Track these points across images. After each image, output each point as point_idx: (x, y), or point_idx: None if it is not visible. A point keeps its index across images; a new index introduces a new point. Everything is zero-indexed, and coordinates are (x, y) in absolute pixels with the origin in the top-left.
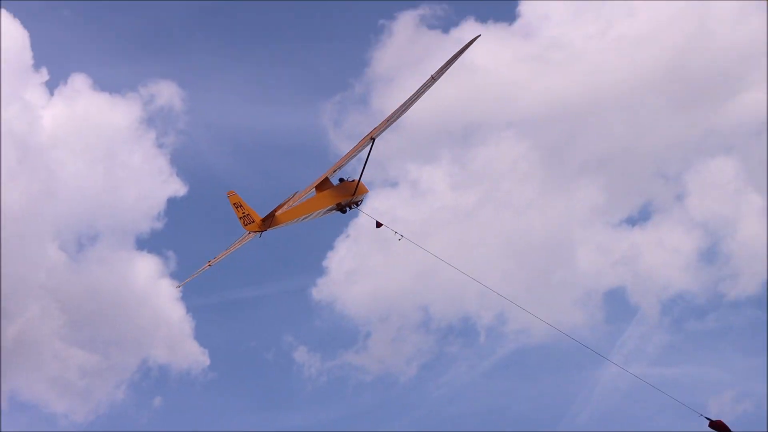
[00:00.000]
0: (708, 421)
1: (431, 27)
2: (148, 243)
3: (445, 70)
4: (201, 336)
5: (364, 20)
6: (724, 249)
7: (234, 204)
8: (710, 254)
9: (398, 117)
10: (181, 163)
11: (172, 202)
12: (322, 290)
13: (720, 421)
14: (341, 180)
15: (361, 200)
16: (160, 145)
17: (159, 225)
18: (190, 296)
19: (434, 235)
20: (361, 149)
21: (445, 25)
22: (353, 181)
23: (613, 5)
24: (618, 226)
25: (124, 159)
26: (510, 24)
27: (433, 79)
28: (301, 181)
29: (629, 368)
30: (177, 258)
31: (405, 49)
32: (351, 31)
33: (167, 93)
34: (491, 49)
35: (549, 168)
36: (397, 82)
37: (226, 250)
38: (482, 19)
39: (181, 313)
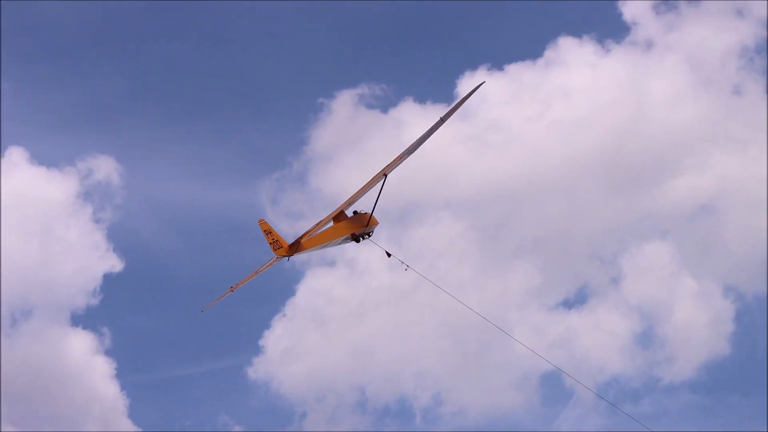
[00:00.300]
0: None
1: (370, 106)
2: (83, 319)
3: (453, 113)
4: (135, 414)
5: (303, 98)
6: (659, 333)
7: (264, 231)
8: (645, 338)
9: (408, 155)
10: (118, 238)
11: (108, 278)
12: (257, 369)
13: None
14: (355, 212)
15: (372, 231)
16: (97, 220)
17: (94, 301)
18: (124, 373)
19: (371, 315)
20: (374, 185)
21: (384, 105)
22: (366, 213)
23: (550, 89)
24: (554, 309)
25: (61, 233)
26: (448, 105)
27: (442, 120)
28: (239, 259)
29: None
30: (112, 335)
31: (343, 128)
32: (290, 108)
33: (105, 168)
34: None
35: (486, 249)
36: (335, 161)
37: (252, 273)
38: (421, 99)
39: (116, 390)
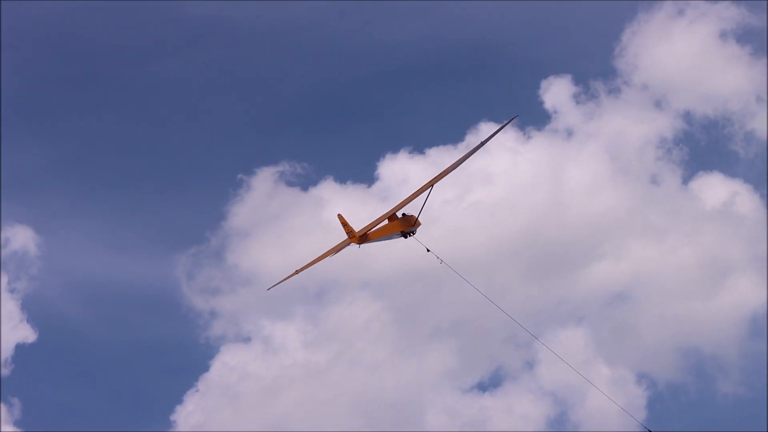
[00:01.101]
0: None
1: (290, 184)
2: None
3: (492, 138)
4: None
5: (223, 173)
6: (572, 418)
7: (342, 223)
8: (559, 423)
9: (454, 168)
10: (33, 309)
11: (21, 349)
12: None
13: None
14: (404, 214)
15: (416, 230)
16: (12, 290)
17: (6, 371)
18: None
19: (285, 392)
20: (422, 194)
21: (305, 183)
22: (412, 215)
23: (470, 172)
24: (468, 391)
25: None
26: (369, 186)
27: (482, 143)
28: (152, 332)
29: None
30: (22, 406)
31: (263, 205)
32: (209, 184)
33: (22, 237)
34: (349, 209)
35: (402, 329)
36: (253, 238)
37: (322, 255)
38: (341, 179)
39: None
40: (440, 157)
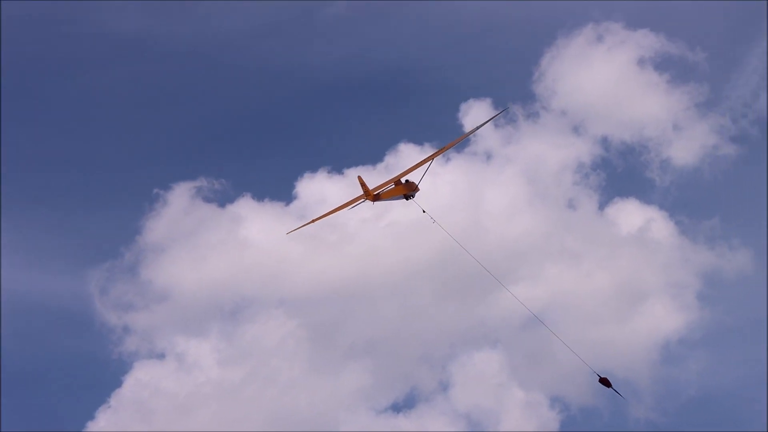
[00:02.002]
0: (598, 377)
1: (207, 200)
2: None
3: (481, 127)
4: None
5: (139, 188)
6: None
7: (361, 183)
8: None
9: (452, 147)
10: None
11: None
12: None
13: (606, 378)
14: (407, 181)
15: (415, 195)
16: None
17: None
18: None
19: (198, 410)
20: (423, 165)
21: (222, 200)
22: (413, 182)
23: None
24: (382, 412)
25: None
26: (287, 204)
27: (478, 127)
28: (64, 347)
29: None
30: None
31: (179, 220)
32: (125, 197)
33: None
34: (266, 227)
35: (318, 348)
36: (168, 253)
37: (336, 208)
38: (259, 197)
39: None
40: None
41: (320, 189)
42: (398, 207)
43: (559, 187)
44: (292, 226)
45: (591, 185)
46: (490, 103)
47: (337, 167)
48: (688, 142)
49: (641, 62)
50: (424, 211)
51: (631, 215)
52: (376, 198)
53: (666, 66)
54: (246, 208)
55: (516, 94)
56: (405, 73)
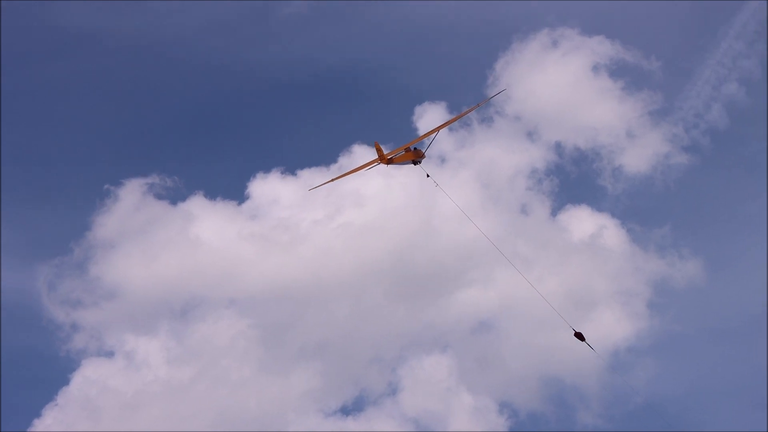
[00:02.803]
0: (573, 331)
1: (159, 197)
2: None
3: (488, 101)
4: None
5: (89, 184)
6: None
7: (377, 148)
8: None
9: (454, 121)
10: None
11: None
12: None
13: (581, 333)
14: (415, 149)
15: (422, 161)
16: None
17: None
18: None
19: (146, 408)
20: (430, 134)
21: (174, 197)
22: (421, 150)
23: (342, 193)
24: (331, 414)
25: None
26: (239, 203)
27: (479, 105)
28: (12, 342)
29: None
30: None
31: (129, 217)
32: (76, 192)
33: None
34: (218, 226)
35: (268, 348)
36: (118, 250)
37: (353, 169)
38: (212, 195)
39: None
40: (312, 177)
41: (273, 189)
42: (352, 208)
43: (513, 192)
44: (244, 225)
45: (544, 191)
46: (445, 107)
47: (291, 168)
48: (641, 150)
49: (596, 69)
50: (428, 176)
51: (583, 222)
52: (390, 162)
53: (621, 73)
54: (198, 206)
55: (471, 98)
56: (361, 75)
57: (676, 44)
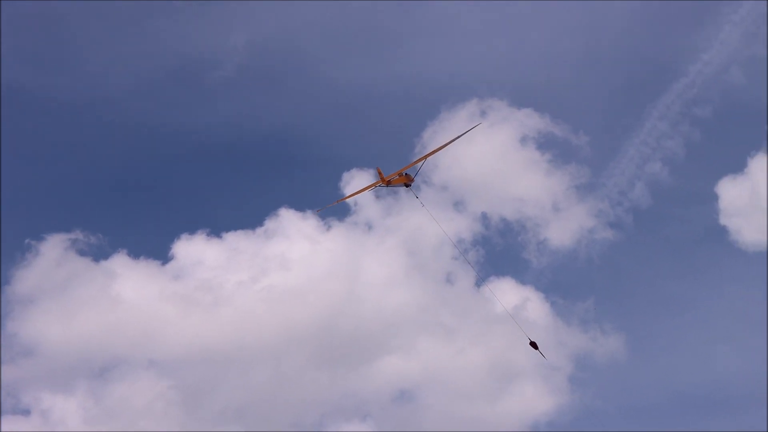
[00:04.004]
0: (529, 340)
1: (82, 254)
2: None
3: (461, 137)
4: None
5: (10, 237)
6: None
7: (379, 172)
8: None
9: (442, 149)
10: None
11: None
12: None
13: (535, 342)
14: (407, 174)
15: (411, 185)
16: None
17: None
18: None
19: None
20: (417, 163)
21: (97, 254)
22: (410, 175)
23: (267, 257)
24: None
25: None
26: (163, 263)
27: (460, 136)
28: None
29: None
30: None
31: (50, 273)
32: None
33: None
34: (140, 285)
35: (188, 411)
36: (37, 306)
37: (357, 191)
38: (135, 254)
39: None
40: (237, 239)
41: (198, 251)
42: (277, 271)
43: (438, 261)
44: (166, 285)
45: (470, 261)
46: (373, 174)
47: (216, 230)
48: (567, 224)
49: (524, 140)
50: (417, 197)
51: (508, 294)
52: (389, 183)
53: (548, 146)
54: (121, 264)
55: (398, 165)
56: (289, 139)
57: (603, 121)
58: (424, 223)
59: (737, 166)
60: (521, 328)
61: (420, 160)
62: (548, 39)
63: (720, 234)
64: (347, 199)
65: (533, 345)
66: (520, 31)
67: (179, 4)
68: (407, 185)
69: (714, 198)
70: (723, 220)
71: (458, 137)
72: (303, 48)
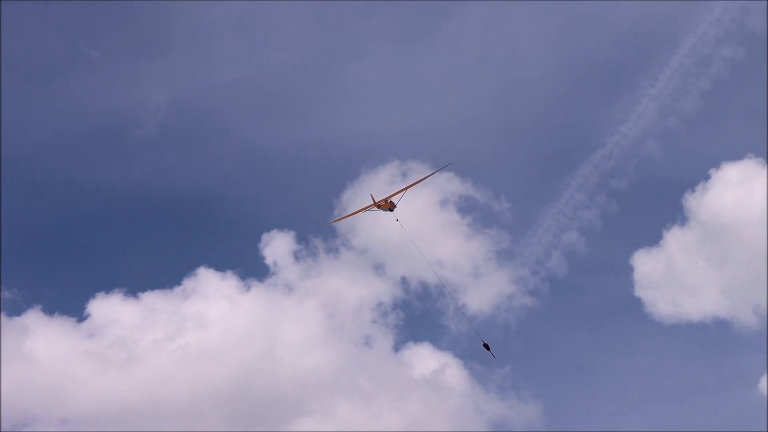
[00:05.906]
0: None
1: None
2: None
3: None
4: None
5: None
6: None
7: (372, 198)
8: None
9: (417, 184)
10: None
11: None
12: None
13: (487, 344)
14: (390, 201)
15: (394, 209)
16: None
17: None
18: None
19: None
20: (401, 192)
21: (10, 309)
22: (393, 202)
23: (184, 317)
24: None
25: None
26: (78, 321)
27: (429, 175)
28: None
29: None
30: None
31: None
32: None
33: None
34: (53, 342)
35: None
36: None
37: (353, 212)
38: (50, 310)
39: None
40: (154, 298)
41: (113, 310)
42: (194, 330)
43: (357, 324)
44: (80, 343)
45: (389, 325)
46: (294, 236)
47: (133, 289)
48: (486, 289)
49: (444, 203)
50: (397, 220)
51: (426, 359)
52: (379, 207)
53: (469, 210)
54: (35, 320)
55: (318, 228)
56: (209, 200)
57: (523, 189)
58: (344, 286)
59: (653, 239)
60: (475, 330)
61: (402, 190)
62: (471, 105)
63: (635, 305)
64: (347, 218)
65: (486, 347)
66: (441, 96)
67: (99, 59)
68: (391, 209)
69: (629, 269)
70: (638, 292)
71: (432, 174)
72: (224, 109)
